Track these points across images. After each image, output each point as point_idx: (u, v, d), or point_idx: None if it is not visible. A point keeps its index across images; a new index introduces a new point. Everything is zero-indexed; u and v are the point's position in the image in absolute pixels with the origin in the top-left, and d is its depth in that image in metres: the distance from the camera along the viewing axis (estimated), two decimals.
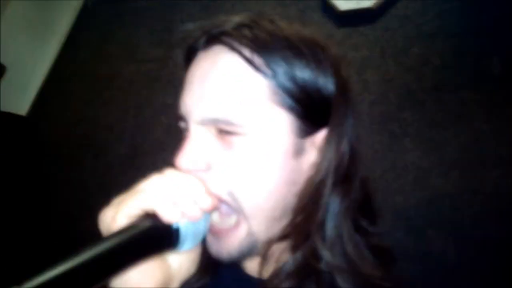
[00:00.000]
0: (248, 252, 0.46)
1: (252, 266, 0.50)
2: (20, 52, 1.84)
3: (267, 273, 0.46)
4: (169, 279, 0.43)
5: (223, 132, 0.44)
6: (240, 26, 0.45)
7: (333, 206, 0.45)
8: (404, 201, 0.95)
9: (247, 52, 0.43)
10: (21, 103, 1.79)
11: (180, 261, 0.44)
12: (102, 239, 0.36)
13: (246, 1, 1.39)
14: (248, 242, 0.45)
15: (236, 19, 0.46)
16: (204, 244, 0.46)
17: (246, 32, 0.44)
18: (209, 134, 0.45)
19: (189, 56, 0.48)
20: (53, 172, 1.58)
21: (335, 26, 1.25)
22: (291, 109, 0.44)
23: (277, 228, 0.46)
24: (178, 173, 0.42)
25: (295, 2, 1.34)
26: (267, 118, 0.44)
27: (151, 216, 0.38)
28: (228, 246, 0.45)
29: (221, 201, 0.44)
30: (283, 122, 0.44)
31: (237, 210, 0.44)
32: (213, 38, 0.45)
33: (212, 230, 0.46)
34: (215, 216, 0.46)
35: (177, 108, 0.47)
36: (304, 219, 0.45)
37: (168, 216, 0.38)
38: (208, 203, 0.41)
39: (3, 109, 1.67)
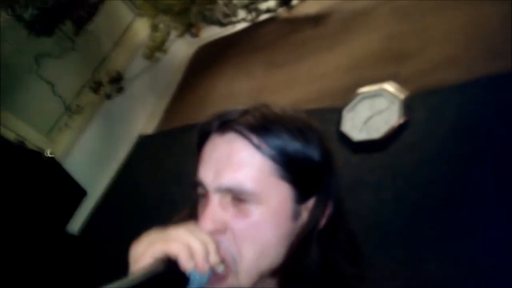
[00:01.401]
0: None
1: None
2: (81, 178, 2.15)
3: None
4: None
5: (237, 200, 0.53)
6: (244, 117, 0.55)
7: (316, 255, 0.54)
8: None
9: (254, 139, 0.53)
10: (75, 222, 2.02)
11: None
12: (132, 275, 0.44)
13: None
14: None
15: (239, 111, 0.56)
16: None
17: (249, 121, 0.54)
18: (226, 201, 0.54)
19: (203, 137, 0.59)
20: None
21: (351, 153, 1.46)
22: (289, 181, 0.54)
23: (266, 269, 0.54)
24: (199, 229, 0.51)
25: None
26: (271, 189, 0.53)
27: (171, 261, 0.46)
28: None
29: (222, 261, 0.51)
30: (284, 192, 0.54)
31: (232, 269, 0.53)
32: (225, 126, 0.55)
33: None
34: None
35: (195, 177, 0.57)
36: (292, 263, 0.54)
37: (186, 264, 0.46)
38: (215, 260, 0.49)
39: None
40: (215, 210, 0.53)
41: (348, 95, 1.60)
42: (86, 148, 2.21)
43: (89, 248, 1.87)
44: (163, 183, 1.91)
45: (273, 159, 0.53)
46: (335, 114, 1.58)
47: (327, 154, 0.58)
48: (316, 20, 2.14)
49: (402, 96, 1.43)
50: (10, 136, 1.89)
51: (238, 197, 0.53)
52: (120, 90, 2.05)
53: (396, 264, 1.10)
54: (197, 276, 0.48)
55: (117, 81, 2.00)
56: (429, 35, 1.54)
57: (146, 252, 0.46)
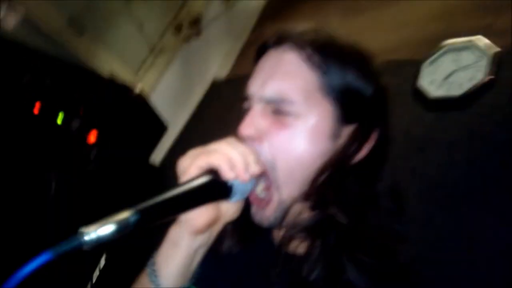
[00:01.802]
0: (282, 217, 0.56)
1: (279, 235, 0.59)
2: (163, 113, 2.35)
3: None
4: (217, 218, 0.54)
5: (278, 112, 0.55)
6: (304, 32, 0.57)
7: (352, 183, 0.54)
8: None
9: (308, 51, 0.55)
10: (157, 154, 2.26)
11: (228, 208, 0.56)
12: (181, 185, 0.49)
13: None
14: (280, 209, 0.57)
15: (302, 27, 0.58)
16: (245, 215, 0.58)
17: (309, 36, 0.57)
18: (267, 112, 0.56)
19: (260, 52, 0.62)
20: None
21: (426, 110, 1.40)
22: (334, 100, 0.56)
23: (300, 191, 0.56)
24: (239, 142, 0.54)
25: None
26: (314, 103, 0.55)
27: (214, 172, 0.51)
28: (266, 214, 0.57)
29: (263, 172, 0.54)
30: (327, 109, 0.56)
31: (273, 180, 0.55)
32: (282, 39, 0.58)
33: (255, 201, 0.57)
34: (259, 188, 0.57)
35: (244, 92, 0.60)
36: (326, 187, 0.54)
37: (227, 175, 0.51)
38: (255, 170, 0.52)
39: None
40: (255, 117, 0.57)
41: (432, 47, 1.49)
42: (168, 87, 2.38)
43: (167, 178, 2.09)
44: (233, 124, 2.03)
45: (322, 75, 0.54)
46: (414, 67, 1.50)
47: (379, 89, 0.58)
48: None
49: (492, 51, 1.30)
50: (105, 71, 2.11)
51: (279, 109, 0.55)
52: (198, 33, 2.13)
53: (459, 226, 1.10)
54: (240, 185, 0.53)
55: (196, 24, 2.07)
56: None
57: (191, 164, 0.51)
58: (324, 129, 0.55)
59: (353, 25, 1.99)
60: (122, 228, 0.42)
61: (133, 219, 0.43)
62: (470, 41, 1.39)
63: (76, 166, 0.94)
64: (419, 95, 1.44)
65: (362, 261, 0.50)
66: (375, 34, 1.85)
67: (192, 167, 0.51)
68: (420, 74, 1.48)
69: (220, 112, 2.18)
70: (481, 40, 1.36)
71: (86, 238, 0.40)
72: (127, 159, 1.23)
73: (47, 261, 0.38)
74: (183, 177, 0.51)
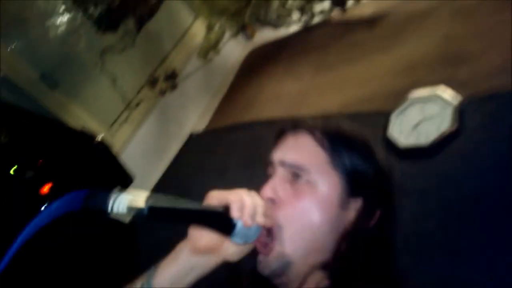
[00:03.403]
0: (281, 270, 0.63)
1: None
2: (135, 169, 2.31)
3: None
4: (217, 248, 0.61)
5: (296, 175, 0.65)
6: (315, 120, 0.70)
7: (364, 254, 0.62)
8: None
9: (318, 135, 0.67)
10: None
11: (230, 247, 0.62)
12: (195, 204, 0.60)
13: None
14: (281, 261, 0.63)
15: (312, 118, 0.71)
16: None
17: (319, 124, 0.69)
18: (287, 178, 0.66)
19: (279, 134, 0.74)
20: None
21: (397, 159, 1.40)
22: (342, 174, 0.64)
23: (314, 260, 0.63)
24: (256, 194, 0.63)
25: None
26: (325, 174, 0.64)
27: (226, 208, 0.60)
28: (265, 261, 0.64)
29: (269, 228, 0.62)
30: (336, 180, 0.65)
31: (277, 236, 0.63)
32: (298, 126, 0.71)
33: (258, 246, 0.63)
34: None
35: (268, 160, 0.71)
36: (341, 256, 0.62)
37: (234, 213, 0.58)
38: (260, 220, 0.59)
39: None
40: (276, 181, 0.66)
41: (398, 99, 1.54)
42: (142, 142, 2.36)
43: (136, 234, 1.98)
44: (208, 179, 1.98)
45: (331, 153, 0.65)
46: (383, 118, 1.53)
47: (381, 171, 0.68)
48: (371, 22, 2.09)
49: (456, 101, 1.35)
50: (76, 125, 2.09)
51: (296, 173, 0.64)
52: (174, 87, 2.17)
53: (436, 276, 1.05)
54: (242, 228, 0.59)
55: (172, 78, 2.11)
56: (490, 39, 1.43)
57: (215, 196, 0.61)
58: (333, 198, 0.63)
59: (324, 80, 2.08)
60: (136, 215, 0.50)
61: (145, 211, 0.51)
62: (433, 92, 1.44)
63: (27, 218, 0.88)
64: (390, 144, 1.45)
65: None
66: (345, 88, 1.92)
67: (214, 198, 0.61)
68: (390, 125, 1.50)
69: (196, 164, 2.15)
70: (445, 91, 1.41)
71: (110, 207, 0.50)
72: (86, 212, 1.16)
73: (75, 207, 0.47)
74: (205, 203, 0.62)
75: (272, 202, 0.65)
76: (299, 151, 0.67)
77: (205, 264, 0.62)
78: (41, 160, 1.01)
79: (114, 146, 2.26)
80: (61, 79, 1.96)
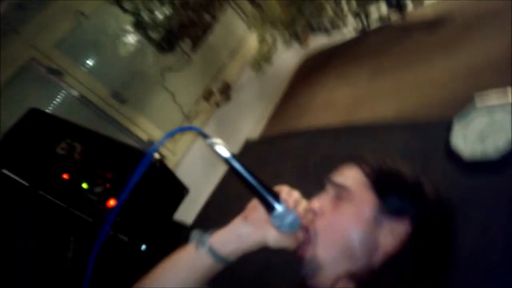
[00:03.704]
0: (312, 272, 0.69)
1: None
2: (194, 175, 2.43)
3: None
4: (262, 225, 0.69)
5: (339, 195, 0.73)
6: (369, 155, 0.77)
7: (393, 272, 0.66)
8: None
9: (368, 170, 0.74)
10: (189, 214, 2.29)
11: (273, 231, 0.69)
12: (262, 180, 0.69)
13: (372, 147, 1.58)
14: (314, 263, 0.69)
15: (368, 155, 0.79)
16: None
17: (371, 159, 0.76)
18: (332, 195, 0.74)
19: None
20: None
21: (461, 173, 1.31)
22: (379, 198, 0.70)
23: (344, 266, 0.68)
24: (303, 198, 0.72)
25: (421, 151, 1.48)
26: (364, 194, 0.71)
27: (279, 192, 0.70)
28: (302, 265, 0.71)
29: (306, 229, 0.70)
30: (373, 200, 0.70)
31: (312, 239, 0.70)
32: (355, 160, 0.78)
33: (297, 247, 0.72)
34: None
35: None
36: (371, 271, 0.67)
37: (282, 195, 0.68)
38: (302, 210, 0.69)
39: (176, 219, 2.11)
40: (323, 196, 0.75)
41: (461, 105, 1.44)
42: (200, 149, 2.47)
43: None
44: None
45: (373, 180, 0.72)
46: (444, 127, 1.44)
47: (420, 213, 0.69)
48: (432, 24, 1.98)
49: None
50: (144, 136, 2.25)
51: (340, 191, 0.72)
52: (228, 98, 2.24)
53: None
54: (284, 210, 0.67)
55: (226, 91, 2.19)
56: None
57: (280, 186, 0.71)
58: (367, 214, 0.69)
59: (379, 85, 2.01)
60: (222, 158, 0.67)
61: (228, 157, 0.68)
62: (503, 97, 1.33)
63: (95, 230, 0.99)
64: (453, 157, 1.37)
65: None
66: (401, 94, 1.84)
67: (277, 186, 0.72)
68: (452, 135, 1.41)
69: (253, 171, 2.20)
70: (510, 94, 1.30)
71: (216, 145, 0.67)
72: (149, 220, 1.27)
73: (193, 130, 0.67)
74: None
75: (314, 214, 0.72)
76: (346, 175, 0.76)
77: (248, 236, 0.70)
78: (108, 176, 1.12)
79: (177, 154, 2.41)
80: (129, 95, 2.13)
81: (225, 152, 0.68)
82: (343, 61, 2.37)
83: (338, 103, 2.10)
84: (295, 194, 0.70)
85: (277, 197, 0.68)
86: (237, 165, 0.70)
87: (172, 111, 2.28)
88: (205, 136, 0.67)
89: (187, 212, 2.26)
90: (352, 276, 0.67)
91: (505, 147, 1.22)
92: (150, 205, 1.28)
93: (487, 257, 1.06)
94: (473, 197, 1.22)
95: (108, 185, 1.08)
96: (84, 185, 1.08)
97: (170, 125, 2.32)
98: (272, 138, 2.32)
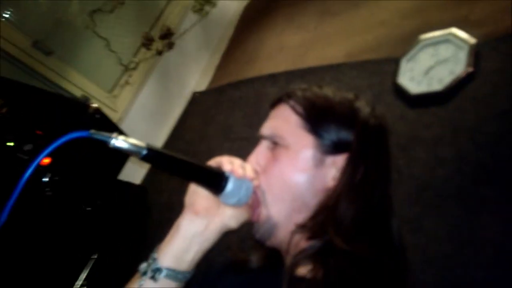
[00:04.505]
0: (269, 232, 0.66)
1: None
2: (140, 133, 2.29)
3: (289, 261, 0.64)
4: (214, 210, 0.63)
5: (274, 144, 0.69)
6: (296, 90, 0.72)
7: (346, 210, 0.62)
8: (483, 277, 0.91)
9: (293, 104, 0.70)
10: (137, 174, 2.18)
11: (227, 210, 0.64)
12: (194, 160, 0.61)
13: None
14: (269, 224, 0.66)
15: (297, 87, 0.74)
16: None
17: (299, 93, 0.72)
18: (268, 147, 0.71)
19: (272, 105, 0.77)
20: (157, 233, 1.82)
21: (408, 107, 1.34)
22: (313, 134, 0.67)
23: (297, 219, 0.65)
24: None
25: (369, 87, 1.49)
26: (299, 137, 0.68)
27: (219, 167, 0.64)
28: (256, 228, 0.68)
29: (255, 191, 0.65)
30: (308, 140, 0.67)
31: (262, 200, 0.66)
32: (282, 98, 0.74)
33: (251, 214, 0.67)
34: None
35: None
36: (323, 216, 0.63)
37: (225, 166, 0.63)
38: (250, 173, 0.64)
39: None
40: (258, 151, 0.71)
41: (408, 43, 1.45)
42: (144, 104, 2.31)
43: (145, 195, 2.00)
44: (213, 138, 1.96)
45: (305, 119, 0.68)
46: (392, 65, 1.45)
47: (360, 137, 0.66)
48: None
49: (471, 42, 1.26)
50: (77, 92, 2.04)
51: (273, 141, 0.69)
52: (171, 45, 2.07)
53: (450, 227, 1.03)
54: (235, 181, 0.61)
55: (168, 37, 2.02)
56: None
57: (210, 161, 0.66)
58: (307, 156, 0.66)
59: (328, 28, 1.96)
60: (134, 152, 0.52)
61: (144, 152, 0.53)
62: (447, 34, 1.35)
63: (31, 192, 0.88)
64: (400, 92, 1.39)
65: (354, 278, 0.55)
66: (351, 36, 1.82)
67: (213, 161, 0.65)
68: (400, 71, 1.43)
69: (201, 124, 2.12)
70: (458, 33, 1.32)
71: (113, 141, 0.51)
72: (90, 178, 1.16)
73: (80, 137, 0.49)
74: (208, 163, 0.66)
75: (256, 172, 0.68)
76: (274, 121, 0.72)
77: (205, 230, 0.63)
78: (39, 132, 0.98)
79: (117, 111, 2.23)
80: (55, 45, 1.88)
81: (139, 146, 0.53)
82: (290, 3, 2.26)
83: (289, 47, 2.04)
84: (237, 160, 0.65)
85: (221, 173, 0.61)
86: (162, 156, 0.56)
87: (108, 61, 2.06)
88: (104, 139, 0.51)
89: (135, 172, 2.15)
90: (304, 227, 0.64)
91: (448, 78, 1.26)
92: (91, 164, 1.16)
93: (437, 173, 1.11)
94: (419, 129, 1.26)
95: (40, 142, 0.95)
96: (10, 143, 0.93)
97: (107, 78, 2.12)
98: (221, 88, 2.22)
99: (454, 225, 1.03)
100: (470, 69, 1.22)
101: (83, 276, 1.32)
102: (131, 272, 0.65)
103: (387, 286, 0.57)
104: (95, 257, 1.36)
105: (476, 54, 1.23)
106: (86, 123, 1.08)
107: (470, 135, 1.12)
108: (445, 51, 1.35)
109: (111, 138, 0.50)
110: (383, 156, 0.70)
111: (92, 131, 0.50)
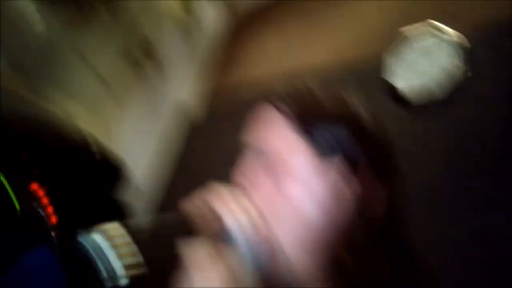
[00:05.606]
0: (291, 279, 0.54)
1: None
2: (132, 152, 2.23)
3: None
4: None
5: (263, 154, 0.60)
6: (282, 93, 0.65)
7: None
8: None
9: (285, 109, 0.62)
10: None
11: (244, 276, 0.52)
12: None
13: None
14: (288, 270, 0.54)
15: (282, 89, 0.67)
16: None
17: (285, 96, 0.64)
18: (256, 156, 0.61)
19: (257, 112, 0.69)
20: None
21: (395, 104, 1.31)
22: (308, 138, 0.59)
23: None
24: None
25: (355, 85, 1.47)
26: (291, 142, 0.60)
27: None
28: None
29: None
30: (303, 144, 0.59)
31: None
32: (268, 102, 0.66)
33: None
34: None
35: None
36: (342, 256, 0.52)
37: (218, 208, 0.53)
38: (247, 207, 0.54)
39: None
40: (245, 165, 0.62)
41: (391, 38, 1.43)
42: (132, 123, 2.27)
43: None
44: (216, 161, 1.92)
45: (294, 120, 0.60)
46: (376, 62, 1.42)
47: (366, 155, 0.59)
48: None
49: (453, 33, 1.24)
50: (58, 111, 1.98)
51: (262, 150, 0.61)
52: (151, 58, 2.04)
53: (450, 227, 0.99)
54: (239, 231, 0.50)
55: (147, 49, 1.98)
56: None
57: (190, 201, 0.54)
58: (302, 165, 0.59)
59: (310, 28, 1.94)
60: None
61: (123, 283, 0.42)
62: (432, 26, 1.33)
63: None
64: (387, 89, 1.36)
65: None
66: (333, 34, 1.80)
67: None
68: (385, 67, 1.41)
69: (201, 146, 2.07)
70: (439, 25, 1.31)
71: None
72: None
73: None
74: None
75: (244, 186, 0.59)
76: (261, 126, 0.65)
77: None
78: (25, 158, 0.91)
79: (105, 132, 2.17)
80: (30, 67, 1.83)
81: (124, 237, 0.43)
82: (269, 5, 2.25)
83: (268, 52, 2.02)
84: (226, 196, 0.54)
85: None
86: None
87: (86, 76, 2.01)
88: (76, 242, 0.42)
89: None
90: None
91: (437, 73, 1.23)
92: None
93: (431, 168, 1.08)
94: (407, 123, 1.23)
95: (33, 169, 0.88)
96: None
97: (86, 93, 2.06)
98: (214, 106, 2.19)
99: (454, 223, 1.00)
100: (461, 63, 1.19)
101: None
102: None
103: None
104: None
105: (461, 47, 1.21)
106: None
107: (465, 130, 1.10)
108: (432, 44, 1.33)
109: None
110: (387, 158, 0.64)
111: None
